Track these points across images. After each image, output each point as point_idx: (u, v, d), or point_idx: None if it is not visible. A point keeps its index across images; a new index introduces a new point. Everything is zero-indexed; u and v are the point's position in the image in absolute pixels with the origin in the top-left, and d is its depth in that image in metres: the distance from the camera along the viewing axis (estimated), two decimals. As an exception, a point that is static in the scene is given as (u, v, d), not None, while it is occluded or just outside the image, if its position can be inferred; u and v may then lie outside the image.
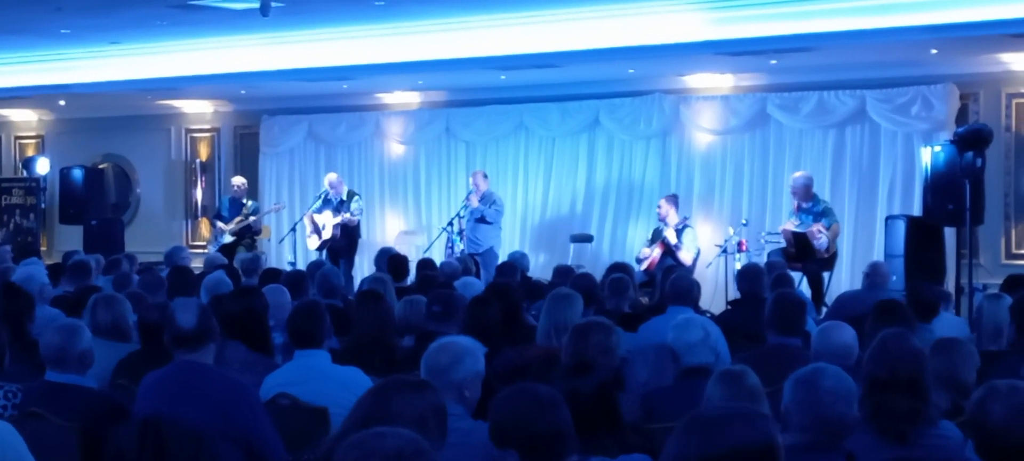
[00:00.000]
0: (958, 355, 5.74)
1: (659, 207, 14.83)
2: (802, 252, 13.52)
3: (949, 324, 8.50)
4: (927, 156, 13.43)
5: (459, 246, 15.91)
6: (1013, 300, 7.48)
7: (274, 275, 10.29)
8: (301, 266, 14.08)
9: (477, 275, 11.95)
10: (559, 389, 4.51)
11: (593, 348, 5.90)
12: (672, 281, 8.53)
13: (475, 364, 5.03)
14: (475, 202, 15.73)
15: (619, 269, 10.31)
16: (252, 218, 17.41)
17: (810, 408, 4.41)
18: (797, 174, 14.22)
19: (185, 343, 5.69)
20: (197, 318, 5.72)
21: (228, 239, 17.23)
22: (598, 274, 10.52)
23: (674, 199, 14.90)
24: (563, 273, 10.62)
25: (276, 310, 7.73)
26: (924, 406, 4.83)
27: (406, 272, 11.67)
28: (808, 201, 13.86)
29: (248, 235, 17.42)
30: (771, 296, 7.34)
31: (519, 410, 4.16)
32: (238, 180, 17.91)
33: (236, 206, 17.53)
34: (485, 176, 16.00)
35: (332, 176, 16.90)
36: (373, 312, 7.34)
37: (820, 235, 13.49)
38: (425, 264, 11.97)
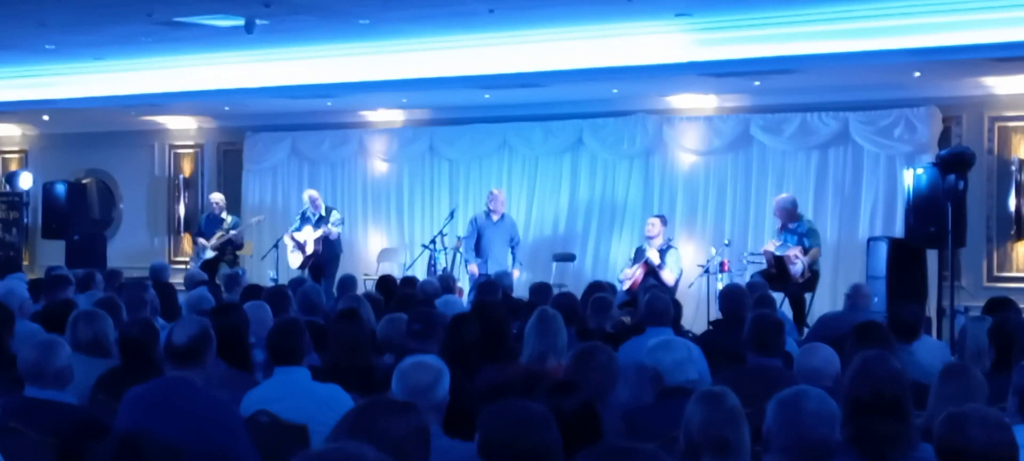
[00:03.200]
0: (967, 383, 5.69)
1: (651, 226, 14.64)
2: (781, 274, 13.52)
3: (930, 347, 8.50)
4: (909, 178, 13.46)
5: (442, 264, 15.85)
6: (993, 322, 7.49)
7: (256, 292, 10.23)
8: (283, 283, 13.99)
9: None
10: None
11: (597, 370, 5.91)
12: (648, 301, 8.47)
13: (447, 383, 5.10)
14: (500, 211, 15.57)
15: (600, 288, 10.29)
16: (233, 232, 17.37)
17: (793, 430, 4.40)
18: (781, 196, 14.24)
19: (174, 358, 5.69)
20: (188, 335, 5.70)
21: (210, 255, 17.19)
22: (579, 293, 10.50)
23: (663, 220, 14.85)
24: (541, 291, 10.58)
25: (257, 327, 7.69)
26: (906, 428, 4.82)
27: (395, 292, 11.61)
28: (793, 221, 13.87)
29: (230, 250, 17.38)
30: (750, 316, 7.32)
31: (509, 426, 4.16)
32: (216, 196, 17.88)
33: (215, 222, 17.49)
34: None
35: (312, 191, 16.88)
36: (350, 331, 7.30)
37: (796, 261, 13.49)
38: (406, 281, 11.90)
